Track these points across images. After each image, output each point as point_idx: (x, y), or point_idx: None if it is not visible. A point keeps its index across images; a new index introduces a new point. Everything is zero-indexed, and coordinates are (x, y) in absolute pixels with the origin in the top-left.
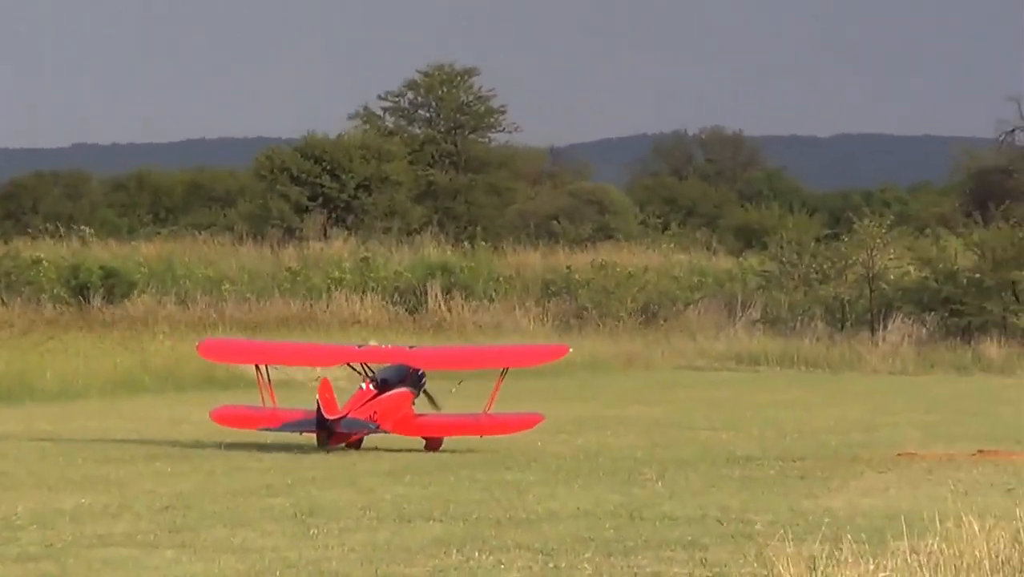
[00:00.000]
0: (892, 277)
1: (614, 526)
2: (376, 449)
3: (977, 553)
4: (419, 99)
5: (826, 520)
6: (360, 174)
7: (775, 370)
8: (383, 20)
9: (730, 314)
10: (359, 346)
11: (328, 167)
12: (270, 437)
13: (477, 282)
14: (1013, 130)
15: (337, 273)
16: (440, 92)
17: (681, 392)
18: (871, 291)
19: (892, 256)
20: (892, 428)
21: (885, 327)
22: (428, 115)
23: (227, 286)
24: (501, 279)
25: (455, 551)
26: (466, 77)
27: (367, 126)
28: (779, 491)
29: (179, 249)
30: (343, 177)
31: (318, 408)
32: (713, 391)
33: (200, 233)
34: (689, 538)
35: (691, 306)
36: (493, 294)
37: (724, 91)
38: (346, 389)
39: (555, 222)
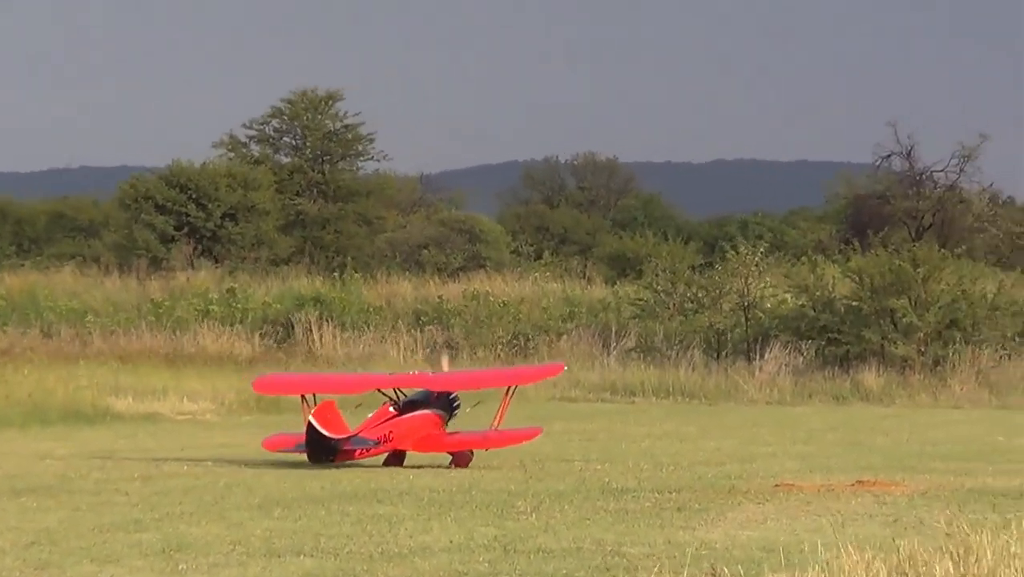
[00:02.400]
0: (768, 305)
1: (488, 560)
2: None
3: None
4: (284, 126)
5: (703, 552)
6: (226, 203)
7: (651, 401)
8: (247, 46)
9: (604, 344)
10: (390, 374)
11: (194, 196)
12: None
13: (347, 313)
14: (890, 155)
15: (204, 305)
16: (305, 119)
17: (555, 424)
18: (747, 320)
19: (768, 284)
20: (770, 459)
21: (762, 356)
22: (294, 143)
23: (91, 318)
24: (372, 309)
25: None
26: (330, 102)
27: (232, 154)
28: (655, 523)
29: (43, 280)
30: (209, 206)
31: (309, 428)
32: (588, 423)
33: (64, 264)
34: (564, 571)
35: (564, 336)
36: (364, 325)
37: (597, 117)
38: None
39: (425, 251)
